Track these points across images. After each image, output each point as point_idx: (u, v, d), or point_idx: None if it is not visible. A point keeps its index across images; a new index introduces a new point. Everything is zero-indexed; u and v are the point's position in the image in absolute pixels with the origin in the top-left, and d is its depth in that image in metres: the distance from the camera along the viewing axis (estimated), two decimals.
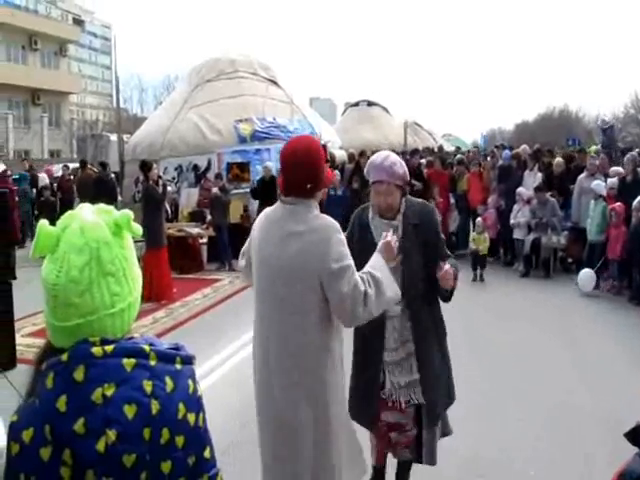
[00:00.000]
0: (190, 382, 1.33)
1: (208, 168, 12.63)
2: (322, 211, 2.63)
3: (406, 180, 3.05)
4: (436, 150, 17.17)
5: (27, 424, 1.23)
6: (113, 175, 13.90)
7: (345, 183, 12.51)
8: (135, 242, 1.41)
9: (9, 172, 13.33)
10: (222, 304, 8.69)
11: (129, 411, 1.22)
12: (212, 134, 12.84)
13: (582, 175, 10.16)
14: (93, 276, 1.26)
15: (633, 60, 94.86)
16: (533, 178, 10.87)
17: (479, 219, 10.49)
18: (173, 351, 1.34)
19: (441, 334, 3.15)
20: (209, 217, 11.51)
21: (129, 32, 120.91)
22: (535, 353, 6.30)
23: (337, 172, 13.05)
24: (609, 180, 9.63)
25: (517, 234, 10.58)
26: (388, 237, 2.74)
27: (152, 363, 1.29)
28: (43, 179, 16.76)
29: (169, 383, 1.28)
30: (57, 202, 14.86)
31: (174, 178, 12.81)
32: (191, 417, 1.30)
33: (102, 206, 1.36)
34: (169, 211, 11.82)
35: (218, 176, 11.64)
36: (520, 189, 10.66)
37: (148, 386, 1.25)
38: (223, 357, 6.19)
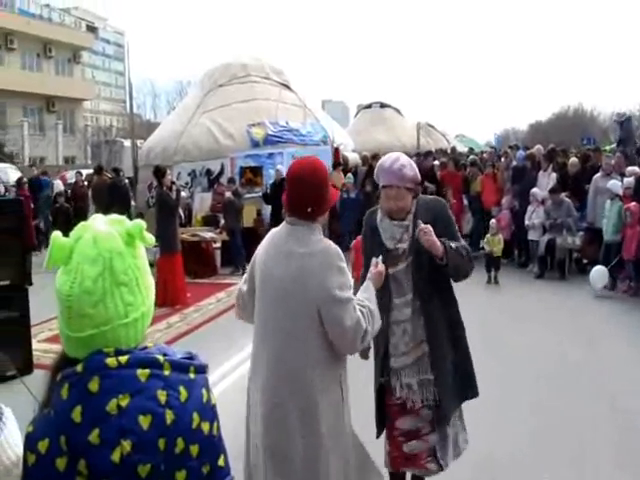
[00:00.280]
0: (204, 391, 1.33)
1: (221, 173, 12.69)
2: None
3: (417, 182, 2.99)
4: (449, 151, 17.11)
5: (43, 435, 1.24)
6: (127, 181, 13.99)
7: (358, 186, 12.52)
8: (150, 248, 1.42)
9: (24, 179, 13.48)
10: None
11: (144, 421, 1.23)
12: (225, 139, 12.89)
13: (597, 175, 10.06)
14: (106, 286, 1.27)
15: None
16: (547, 179, 10.78)
17: (493, 220, 10.41)
18: (187, 360, 1.34)
19: (457, 335, 3.06)
20: (222, 221, 11.54)
21: (142, 38, 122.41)
22: (550, 355, 6.25)
23: (350, 175, 13.07)
24: (625, 180, 9.48)
25: (532, 235, 10.49)
26: (379, 267, 2.79)
27: (166, 373, 1.29)
28: (57, 186, 16.87)
29: (183, 393, 1.28)
30: (71, 209, 14.98)
31: (187, 183, 12.88)
32: (205, 426, 1.31)
33: (115, 216, 1.37)
34: (183, 216, 11.87)
35: (231, 180, 11.66)
36: (534, 190, 10.57)
37: (162, 396, 1.26)
38: (235, 363, 6.14)
